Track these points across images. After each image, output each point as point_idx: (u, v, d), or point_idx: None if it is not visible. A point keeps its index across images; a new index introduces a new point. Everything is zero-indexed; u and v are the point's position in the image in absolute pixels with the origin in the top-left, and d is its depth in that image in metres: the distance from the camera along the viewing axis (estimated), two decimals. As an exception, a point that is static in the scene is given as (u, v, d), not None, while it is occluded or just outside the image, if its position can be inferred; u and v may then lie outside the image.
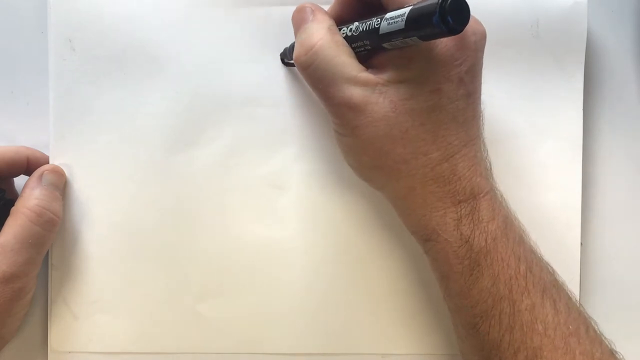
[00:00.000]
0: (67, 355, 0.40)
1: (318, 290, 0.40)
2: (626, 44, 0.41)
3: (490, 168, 0.35)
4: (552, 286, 0.33)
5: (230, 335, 0.40)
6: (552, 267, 0.34)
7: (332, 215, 0.40)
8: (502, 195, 0.34)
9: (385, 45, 0.32)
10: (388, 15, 0.30)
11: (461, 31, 0.28)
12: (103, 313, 0.40)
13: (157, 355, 0.40)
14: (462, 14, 0.28)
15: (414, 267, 0.40)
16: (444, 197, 0.32)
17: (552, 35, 0.39)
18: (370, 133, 0.32)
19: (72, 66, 0.39)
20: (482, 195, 0.32)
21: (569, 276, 0.37)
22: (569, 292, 0.33)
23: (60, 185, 0.39)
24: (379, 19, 0.31)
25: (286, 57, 0.39)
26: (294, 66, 0.39)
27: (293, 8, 0.35)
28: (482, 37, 0.32)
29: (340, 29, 0.34)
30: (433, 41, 0.31)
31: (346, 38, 0.33)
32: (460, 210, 0.32)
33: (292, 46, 0.36)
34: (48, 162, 0.39)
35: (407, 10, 0.29)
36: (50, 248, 0.39)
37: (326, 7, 0.36)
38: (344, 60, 0.32)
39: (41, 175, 0.38)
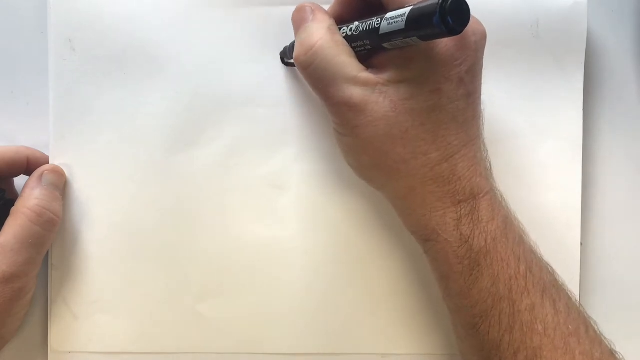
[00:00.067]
0: (67, 355, 0.40)
1: (318, 290, 0.40)
2: (626, 44, 0.41)
3: (490, 168, 0.35)
4: (552, 286, 0.33)
5: (230, 335, 0.40)
6: (552, 267, 0.34)
7: (332, 215, 0.40)
8: (502, 196, 0.34)
9: (385, 45, 0.32)
10: (388, 15, 0.30)
11: (461, 32, 0.28)
12: (103, 313, 0.40)
13: (157, 355, 0.40)
14: (462, 15, 0.28)
15: (414, 267, 0.40)
16: (443, 197, 0.32)
17: (552, 35, 0.39)
18: (370, 133, 0.32)
19: (72, 66, 0.39)
20: (482, 195, 0.32)
21: (569, 276, 0.37)
22: (568, 292, 0.33)
23: (60, 185, 0.39)
24: (379, 19, 0.31)
25: (286, 56, 0.39)
26: (294, 66, 0.39)
27: (293, 8, 0.35)
28: (483, 37, 0.32)
29: (340, 29, 0.34)
30: (433, 41, 0.31)
31: (346, 38, 0.33)
32: (460, 210, 0.32)
33: (292, 45, 0.36)
34: (48, 162, 0.39)
35: (407, 10, 0.29)
36: (50, 248, 0.39)
37: (326, 7, 0.36)
38: (344, 60, 0.32)
39: (41, 175, 0.38)
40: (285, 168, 0.40)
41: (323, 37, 0.33)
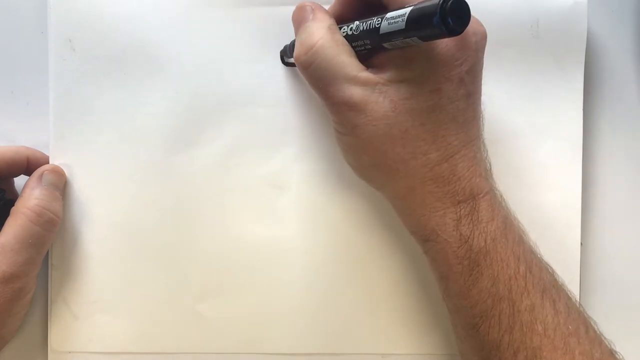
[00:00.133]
0: (67, 355, 0.40)
1: (318, 290, 0.40)
2: (626, 44, 0.41)
3: (490, 168, 0.35)
4: (551, 286, 0.33)
5: (230, 335, 0.40)
6: (551, 268, 0.34)
7: (332, 215, 0.40)
8: (501, 196, 0.34)
9: (385, 45, 0.32)
10: (389, 15, 0.30)
11: (461, 32, 0.28)
12: (103, 313, 0.40)
13: (157, 355, 0.40)
14: (462, 16, 0.28)
15: (414, 267, 0.40)
16: (443, 198, 0.32)
17: (552, 35, 0.39)
18: (370, 132, 0.32)
19: (72, 66, 0.39)
20: (481, 195, 0.32)
21: (569, 276, 0.37)
22: (568, 293, 0.33)
23: (60, 185, 0.39)
24: (379, 19, 0.31)
25: (286, 55, 0.39)
26: (294, 66, 0.39)
27: (293, 8, 0.35)
28: (483, 37, 0.33)
29: (340, 28, 0.34)
30: (434, 41, 0.31)
31: (346, 37, 0.33)
32: (460, 210, 0.32)
33: (293, 44, 0.36)
34: (48, 162, 0.39)
35: (407, 10, 0.29)
36: (50, 248, 0.39)
37: (327, 6, 0.36)
38: (344, 60, 0.32)
39: (41, 175, 0.38)
40: (285, 168, 0.40)
41: (323, 36, 0.33)
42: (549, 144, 0.39)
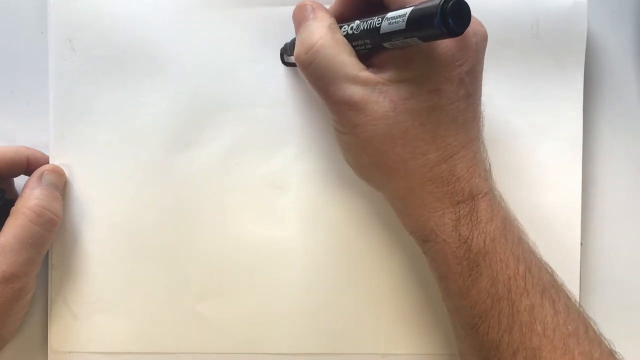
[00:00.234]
0: (67, 355, 0.40)
1: (318, 290, 0.40)
2: (626, 44, 0.41)
3: (490, 169, 0.35)
4: (551, 286, 0.33)
5: (230, 335, 0.40)
6: (551, 268, 0.34)
7: (332, 215, 0.40)
8: (501, 196, 0.34)
9: (385, 44, 0.31)
10: (389, 14, 0.30)
11: (462, 33, 0.28)
12: (103, 313, 0.40)
13: (157, 355, 0.40)
14: (463, 17, 0.28)
15: (414, 266, 0.40)
16: (442, 198, 0.32)
17: (552, 35, 0.39)
18: (370, 132, 0.32)
19: (72, 66, 0.39)
20: (480, 196, 0.32)
21: (569, 276, 0.37)
22: (568, 293, 0.33)
23: (60, 185, 0.39)
24: (380, 19, 0.31)
25: (286, 53, 0.39)
26: (294, 66, 0.39)
27: (293, 8, 0.35)
28: (484, 38, 0.32)
29: (341, 27, 0.34)
30: (434, 41, 0.31)
31: (347, 36, 0.33)
32: (459, 211, 0.32)
33: (293, 42, 0.36)
34: (48, 162, 0.39)
35: (408, 10, 0.29)
36: (50, 248, 0.39)
37: (327, 6, 0.35)
38: (345, 59, 0.32)
39: (41, 175, 0.38)
40: (285, 168, 0.40)
41: (323, 35, 0.33)
42: (549, 144, 0.39)
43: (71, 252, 0.40)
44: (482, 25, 0.32)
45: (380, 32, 0.31)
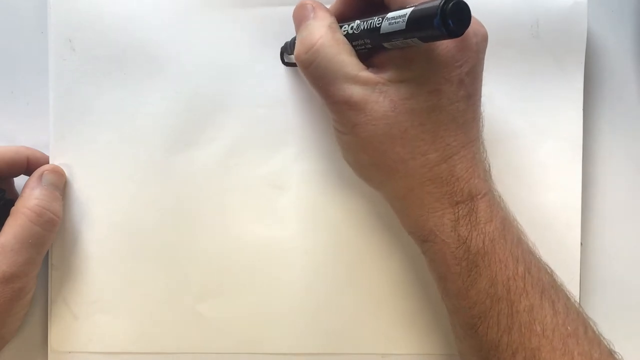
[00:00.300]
0: (67, 355, 0.40)
1: (318, 290, 0.40)
2: (626, 44, 0.41)
3: (489, 170, 0.34)
4: (550, 287, 0.32)
5: (230, 335, 0.40)
6: (550, 268, 0.34)
7: (332, 215, 0.40)
8: (500, 197, 0.34)
9: (385, 44, 0.31)
10: (389, 15, 0.30)
11: (461, 34, 0.28)
12: (103, 313, 0.40)
13: (157, 355, 0.40)
14: (463, 18, 0.28)
15: (414, 267, 0.40)
16: (441, 198, 0.32)
17: (552, 35, 0.39)
18: (370, 132, 0.32)
19: (72, 66, 0.39)
20: (480, 196, 0.32)
21: (569, 276, 0.37)
22: (567, 293, 0.33)
23: (60, 185, 0.39)
24: (380, 19, 0.31)
25: (287, 51, 0.39)
26: (294, 66, 0.39)
27: (293, 8, 0.35)
28: (484, 38, 0.32)
29: (341, 27, 0.34)
30: (434, 42, 0.31)
31: (347, 36, 0.33)
32: (458, 211, 0.32)
33: (293, 41, 0.36)
34: (48, 162, 0.39)
35: (408, 11, 0.29)
36: (50, 248, 0.39)
37: (328, 5, 0.35)
38: (345, 59, 0.32)
39: (41, 175, 0.38)
40: (285, 168, 0.40)
41: (324, 35, 0.33)
42: (549, 144, 0.39)
43: (71, 252, 0.40)
44: (483, 26, 0.32)
45: (381, 32, 0.31)
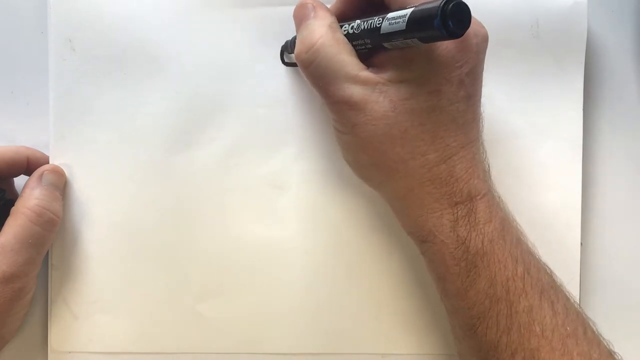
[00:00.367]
0: (67, 355, 0.40)
1: (318, 290, 0.40)
2: (626, 44, 0.41)
3: (489, 170, 0.34)
4: (550, 287, 0.32)
5: (230, 335, 0.40)
6: (550, 268, 0.34)
7: (332, 215, 0.40)
8: (499, 197, 0.34)
9: (385, 44, 0.32)
10: (390, 15, 0.30)
11: (462, 35, 0.28)
12: (103, 313, 0.40)
13: (157, 355, 0.40)
14: (463, 19, 0.28)
15: (414, 267, 0.40)
16: (440, 199, 0.32)
17: (552, 35, 0.39)
18: (369, 131, 0.32)
19: (72, 66, 0.39)
20: (479, 197, 0.32)
21: (569, 276, 0.37)
22: (567, 293, 0.33)
23: (60, 185, 0.39)
24: (380, 19, 0.31)
25: (287, 50, 0.39)
26: (294, 66, 0.39)
27: (293, 8, 0.35)
28: (484, 39, 0.32)
29: (341, 26, 0.34)
30: (434, 42, 0.31)
31: (347, 36, 0.33)
32: (457, 212, 0.32)
33: (294, 40, 0.36)
34: (48, 162, 0.39)
35: (408, 11, 0.29)
36: (50, 248, 0.39)
37: (328, 4, 0.35)
38: (345, 59, 0.32)
39: (41, 175, 0.38)
40: (285, 168, 0.40)
41: (324, 35, 0.33)
42: (549, 144, 0.39)
43: (71, 252, 0.40)
44: (483, 27, 0.32)
45: (381, 32, 0.31)
